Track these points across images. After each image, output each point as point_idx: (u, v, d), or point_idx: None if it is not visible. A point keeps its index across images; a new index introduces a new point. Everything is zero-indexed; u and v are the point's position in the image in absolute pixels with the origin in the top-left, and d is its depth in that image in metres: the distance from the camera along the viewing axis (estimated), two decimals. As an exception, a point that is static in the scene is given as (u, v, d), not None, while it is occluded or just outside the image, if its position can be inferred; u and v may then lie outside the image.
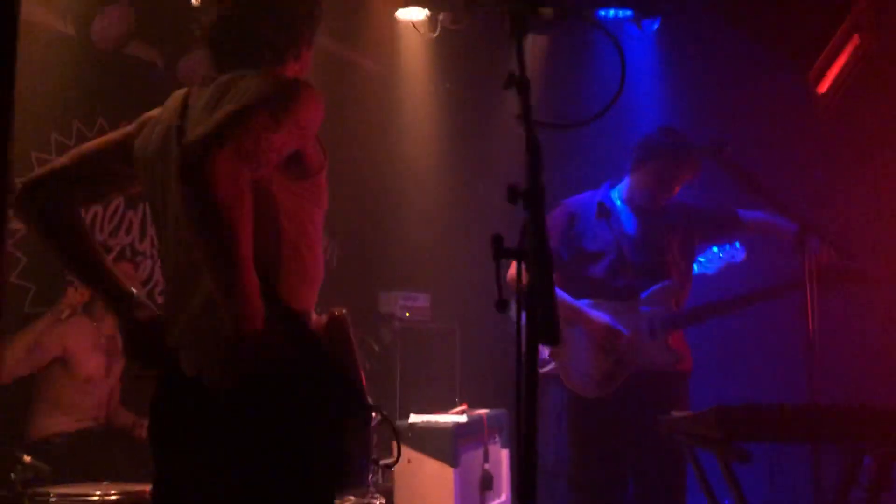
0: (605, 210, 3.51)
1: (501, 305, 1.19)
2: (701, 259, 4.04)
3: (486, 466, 4.61)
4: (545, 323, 1.05)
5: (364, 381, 1.77)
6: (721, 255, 3.99)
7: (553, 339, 1.07)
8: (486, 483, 4.58)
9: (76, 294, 3.86)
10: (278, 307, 1.67)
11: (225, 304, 1.58)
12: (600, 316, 3.34)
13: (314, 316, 1.80)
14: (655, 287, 3.39)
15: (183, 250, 1.76)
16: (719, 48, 5.22)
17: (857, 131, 4.63)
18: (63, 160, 1.99)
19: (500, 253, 1.17)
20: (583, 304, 3.38)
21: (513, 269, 1.32)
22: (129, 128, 1.99)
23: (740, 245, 4.03)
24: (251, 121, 1.61)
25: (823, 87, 4.39)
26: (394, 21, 5.29)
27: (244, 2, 1.87)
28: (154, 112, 1.97)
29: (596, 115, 1.39)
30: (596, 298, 3.39)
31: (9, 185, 1.16)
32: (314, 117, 1.75)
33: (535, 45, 5.51)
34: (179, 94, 1.94)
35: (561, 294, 3.35)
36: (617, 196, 3.57)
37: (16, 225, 4.02)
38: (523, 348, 1.11)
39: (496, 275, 1.19)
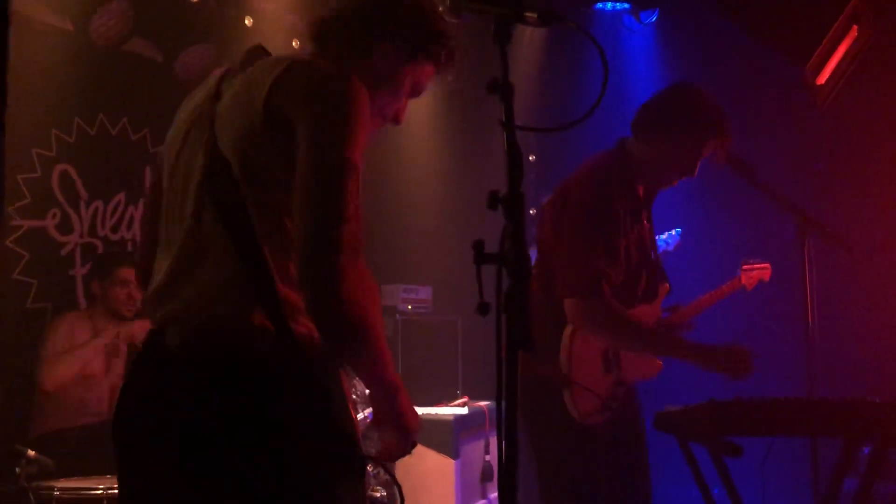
0: (629, 195, 2.84)
1: (482, 308, 1.21)
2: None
3: (488, 458, 4.65)
4: (520, 329, 1.07)
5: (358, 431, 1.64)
6: (661, 243, 3.96)
7: (527, 346, 1.09)
8: (487, 475, 4.62)
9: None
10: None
11: (386, 399, 1.60)
12: (717, 345, 2.80)
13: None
14: (662, 290, 3.00)
15: (192, 239, 1.63)
16: (717, 40, 5.21)
17: (855, 122, 4.63)
18: (140, 252, 1.89)
19: (481, 258, 1.19)
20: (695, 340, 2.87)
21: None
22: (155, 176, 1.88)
23: (676, 233, 4.01)
24: (347, 190, 1.50)
25: (822, 79, 4.39)
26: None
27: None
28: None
29: (576, 121, 1.40)
30: (625, 304, 2.82)
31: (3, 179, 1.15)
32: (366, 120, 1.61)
33: (532, 35, 5.51)
34: (215, 76, 1.79)
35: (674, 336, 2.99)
36: (622, 163, 2.86)
37: (16, 221, 4.06)
38: (503, 353, 1.13)
39: (477, 279, 1.21)
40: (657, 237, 3.44)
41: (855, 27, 4.15)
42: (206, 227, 1.60)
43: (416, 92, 1.87)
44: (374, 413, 1.64)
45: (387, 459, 1.67)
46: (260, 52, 1.75)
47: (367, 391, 1.63)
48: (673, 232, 4.08)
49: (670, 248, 4.03)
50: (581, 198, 2.74)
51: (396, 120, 1.88)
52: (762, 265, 3.69)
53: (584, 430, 2.75)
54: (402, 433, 1.64)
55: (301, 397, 1.54)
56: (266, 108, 1.56)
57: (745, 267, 3.68)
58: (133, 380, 1.69)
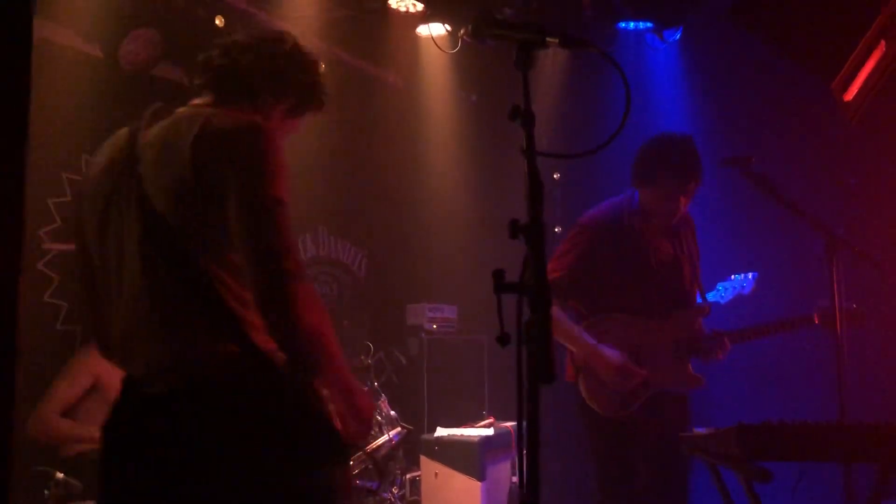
0: (629, 226, 3.39)
1: (503, 340, 1.20)
2: (719, 287, 4.03)
3: (515, 479, 4.61)
4: (542, 362, 1.06)
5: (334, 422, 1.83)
6: (737, 284, 3.98)
7: (549, 378, 1.08)
8: (515, 496, 4.58)
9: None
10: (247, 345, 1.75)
11: (342, 398, 1.81)
12: (613, 355, 3.26)
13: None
14: (686, 309, 3.38)
15: (147, 292, 1.79)
16: (742, 57, 5.17)
17: (884, 138, 4.57)
18: (85, 313, 2.05)
19: (501, 287, 1.18)
20: (601, 346, 3.28)
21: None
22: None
23: (752, 276, 4.00)
24: (283, 225, 1.70)
25: (850, 95, 4.34)
26: (415, 37, 5.32)
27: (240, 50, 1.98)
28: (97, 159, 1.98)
29: (597, 148, 1.40)
30: (627, 314, 3.36)
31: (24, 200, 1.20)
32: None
33: (556, 56, 5.51)
34: (124, 131, 1.96)
35: (577, 330, 3.31)
36: (637, 211, 3.43)
37: (47, 245, 4.11)
38: (524, 382, 1.12)
39: (497, 309, 1.20)
40: (731, 278, 3.99)
41: (883, 42, 4.10)
42: (156, 278, 1.76)
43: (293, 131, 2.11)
44: (336, 408, 1.84)
45: (352, 442, 1.89)
46: (163, 111, 1.92)
47: (327, 392, 1.82)
48: (749, 275, 4.06)
49: (745, 292, 4.03)
50: (576, 236, 3.43)
51: None
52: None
53: (600, 420, 3.29)
54: (361, 421, 1.86)
55: (281, 402, 1.74)
56: (193, 163, 1.73)
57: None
58: (119, 424, 1.87)
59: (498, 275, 1.19)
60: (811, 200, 4.10)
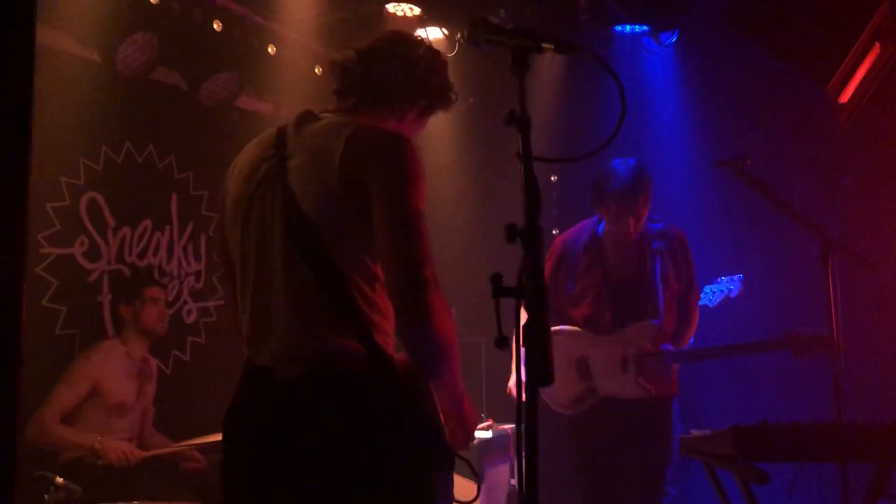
0: (590, 246, 3.69)
1: (501, 342, 1.22)
2: (706, 290, 4.05)
3: (513, 482, 4.61)
4: (539, 364, 1.07)
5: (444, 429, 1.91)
6: (724, 287, 4.01)
7: (546, 380, 1.09)
8: (514, 499, 4.58)
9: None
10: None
11: (453, 405, 1.91)
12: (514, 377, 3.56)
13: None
14: (639, 323, 3.57)
15: (279, 279, 1.87)
16: (738, 60, 5.19)
17: (879, 140, 4.59)
18: (230, 307, 2.12)
19: (499, 291, 1.20)
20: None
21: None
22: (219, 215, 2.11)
23: (738, 279, 4.03)
24: (423, 235, 1.79)
25: (845, 97, 4.36)
26: (413, 40, 5.32)
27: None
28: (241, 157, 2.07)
29: (593, 152, 1.41)
30: (580, 328, 3.66)
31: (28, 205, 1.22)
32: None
33: (553, 61, 5.52)
34: (271, 132, 2.04)
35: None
36: (600, 229, 3.71)
37: (45, 249, 4.12)
38: (523, 386, 1.13)
39: (496, 312, 1.21)
40: (718, 280, 4.13)
41: (877, 44, 4.12)
42: (294, 273, 1.85)
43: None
44: (444, 414, 1.94)
45: (455, 448, 1.94)
46: (309, 116, 2.00)
47: (438, 397, 1.92)
48: (735, 277, 4.09)
49: (732, 295, 4.07)
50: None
51: None
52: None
53: (553, 417, 3.57)
54: (465, 429, 1.96)
55: (397, 402, 1.82)
56: (341, 171, 1.82)
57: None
58: (241, 410, 1.93)
59: (496, 279, 1.20)
60: (806, 202, 4.13)
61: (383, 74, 2.01)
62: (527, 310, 1.14)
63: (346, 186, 1.82)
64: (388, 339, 1.88)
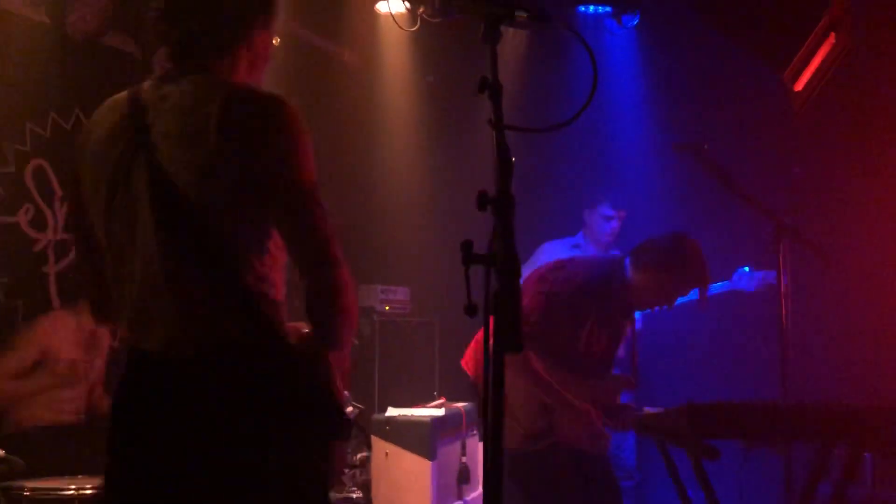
0: (607, 294, 3.28)
1: (470, 310, 1.21)
2: (741, 274, 4.15)
3: (464, 459, 4.63)
4: (509, 331, 1.06)
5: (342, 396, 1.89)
6: (754, 275, 4.11)
7: (515, 347, 1.08)
8: (464, 476, 4.61)
9: None
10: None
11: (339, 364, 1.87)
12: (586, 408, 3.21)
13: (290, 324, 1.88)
14: (610, 377, 3.36)
15: (155, 261, 1.77)
16: (697, 44, 5.25)
17: (832, 129, 4.68)
18: (87, 284, 2.03)
19: (469, 259, 1.18)
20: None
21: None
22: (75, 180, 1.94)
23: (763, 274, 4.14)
24: (323, 210, 1.78)
25: (800, 85, 4.44)
26: (373, 14, 5.27)
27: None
28: (98, 116, 1.91)
29: (564, 123, 1.40)
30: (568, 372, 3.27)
31: None
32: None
33: (515, 38, 5.51)
34: (123, 96, 1.87)
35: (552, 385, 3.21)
36: (625, 282, 3.27)
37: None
38: (490, 353, 1.12)
39: (465, 279, 1.20)
40: (738, 271, 4.26)
41: (833, 34, 4.20)
42: (172, 252, 1.75)
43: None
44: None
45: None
46: (167, 77, 1.83)
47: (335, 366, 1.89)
48: (757, 272, 4.19)
49: (751, 289, 4.15)
50: (560, 284, 3.23)
51: None
52: None
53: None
54: (345, 380, 1.92)
55: (292, 374, 1.78)
56: (219, 139, 1.71)
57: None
58: (129, 394, 1.85)
59: (467, 246, 1.19)
60: (760, 187, 4.19)
61: (203, 21, 1.82)
62: (498, 277, 1.13)
63: (226, 157, 1.71)
64: (280, 307, 1.82)
